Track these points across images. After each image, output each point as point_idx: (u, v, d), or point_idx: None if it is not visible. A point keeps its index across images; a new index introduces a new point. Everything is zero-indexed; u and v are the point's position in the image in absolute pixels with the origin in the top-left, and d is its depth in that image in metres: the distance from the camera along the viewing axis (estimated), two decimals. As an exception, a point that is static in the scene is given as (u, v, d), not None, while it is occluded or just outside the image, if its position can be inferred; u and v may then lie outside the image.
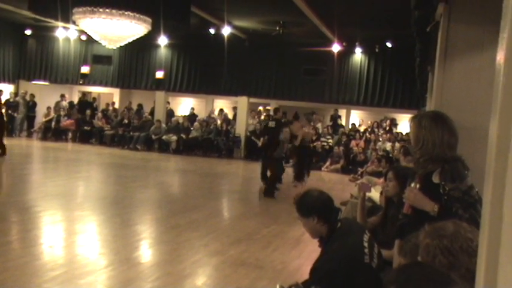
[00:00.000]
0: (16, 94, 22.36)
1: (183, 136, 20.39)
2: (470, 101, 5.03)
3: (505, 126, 1.12)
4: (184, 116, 22.62)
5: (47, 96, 22.80)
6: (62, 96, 22.74)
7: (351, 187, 10.72)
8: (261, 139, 13.10)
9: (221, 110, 22.85)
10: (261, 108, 22.50)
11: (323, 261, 3.40)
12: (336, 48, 18.61)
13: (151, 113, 22.49)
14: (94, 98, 23.97)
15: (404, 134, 19.36)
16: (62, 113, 21.98)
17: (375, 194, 6.02)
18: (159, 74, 21.53)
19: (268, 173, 11.95)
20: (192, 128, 20.76)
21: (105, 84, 22.92)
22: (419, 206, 3.08)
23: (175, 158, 19.03)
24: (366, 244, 3.39)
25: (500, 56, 1.20)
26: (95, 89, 24.07)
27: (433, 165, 3.08)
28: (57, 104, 22.38)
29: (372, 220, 4.82)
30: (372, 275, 3.27)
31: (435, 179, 3.05)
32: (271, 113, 21.67)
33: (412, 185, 3.16)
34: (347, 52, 19.46)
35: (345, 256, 3.30)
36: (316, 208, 3.45)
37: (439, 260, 2.01)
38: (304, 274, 6.00)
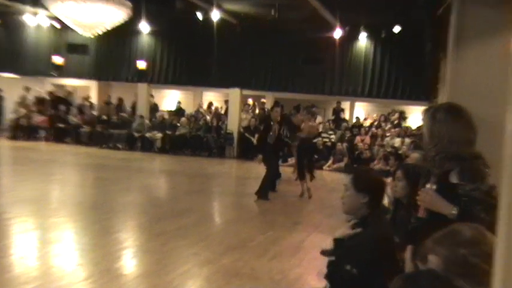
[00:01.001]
0: (-20, 88, 22.30)
1: (169, 133, 20.39)
2: (487, 90, 5.03)
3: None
4: (170, 110, 22.63)
5: (15, 91, 22.68)
6: (27, 89, 22.57)
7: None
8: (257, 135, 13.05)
9: (211, 104, 22.85)
10: (250, 101, 22.43)
11: (364, 243, 3.43)
12: (337, 34, 18.61)
13: (133, 107, 22.47)
14: (69, 92, 23.90)
15: (414, 128, 19.41)
16: (33, 108, 21.93)
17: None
18: (141, 65, 21.49)
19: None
20: (178, 124, 20.75)
21: (81, 77, 22.85)
22: (436, 209, 3.06)
23: (160, 158, 19.01)
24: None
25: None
26: (69, 82, 24.00)
27: (450, 163, 3.06)
28: (23, 98, 22.27)
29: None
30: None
31: (453, 178, 3.03)
32: (267, 106, 21.73)
33: (428, 185, 3.14)
34: (350, 38, 19.47)
35: (386, 243, 3.44)
36: (372, 188, 3.53)
37: (455, 270, 2.01)
38: (306, 284, 6.02)
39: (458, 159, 3.03)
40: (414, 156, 6.37)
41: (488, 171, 2.99)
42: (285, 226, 9.05)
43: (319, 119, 20.82)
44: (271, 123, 11.76)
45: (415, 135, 17.48)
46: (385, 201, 5.91)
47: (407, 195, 4.22)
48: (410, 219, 3.65)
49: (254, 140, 18.94)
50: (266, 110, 20.73)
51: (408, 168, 4.53)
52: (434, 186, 3.10)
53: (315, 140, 18.02)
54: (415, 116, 20.65)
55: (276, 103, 13.01)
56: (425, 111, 3.27)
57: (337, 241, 3.54)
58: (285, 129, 11.94)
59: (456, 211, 2.97)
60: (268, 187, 11.73)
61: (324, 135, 19.94)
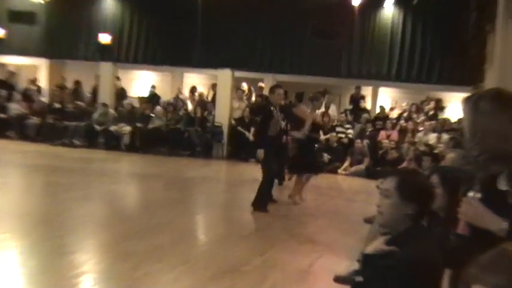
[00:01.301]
0: None
1: (140, 126, 20.38)
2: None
3: None
4: (142, 97, 22.61)
5: None
6: None
7: (379, 197, 10.76)
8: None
9: (194, 89, 22.82)
10: (244, 85, 22.36)
11: (400, 266, 3.44)
12: (357, 0, 18.64)
13: (94, 93, 22.44)
14: (11, 73, 23.83)
15: (454, 120, 19.45)
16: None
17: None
18: (104, 39, 21.46)
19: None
20: (152, 115, 20.76)
21: (27, 53, 22.80)
22: (481, 223, 3.04)
23: (128, 158, 19.00)
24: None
25: None
26: (12, 60, 23.94)
27: (497, 165, 3.06)
28: None
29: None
30: None
31: (501, 184, 3.02)
32: (266, 92, 21.71)
33: (471, 194, 3.13)
34: (373, 5, 19.52)
35: (428, 269, 3.43)
36: (421, 197, 3.56)
37: None
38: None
39: (507, 160, 3.03)
40: (451, 156, 6.41)
41: None
42: (288, 246, 9.06)
43: (333, 108, 20.82)
44: (272, 109, 11.69)
45: (456, 130, 17.53)
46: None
47: (445, 207, 4.24)
48: (449, 237, 3.66)
49: (250, 135, 18.99)
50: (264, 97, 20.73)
51: (446, 172, 4.53)
52: (478, 195, 3.08)
53: (326, 136, 18.09)
54: (455, 105, 20.70)
55: (277, 85, 12.95)
56: (466, 100, 3.27)
57: (367, 258, 3.55)
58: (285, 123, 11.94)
59: (507, 226, 2.95)
60: (267, 196, 11.73)
61: (338, 129, 19.96)
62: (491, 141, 3.07)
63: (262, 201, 11.53)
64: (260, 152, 11.66)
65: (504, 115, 3.08)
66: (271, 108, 11.69)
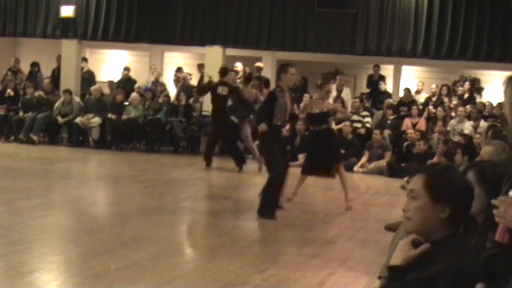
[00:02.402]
0: None
1: (112, 117, 20.36)
2: None
3: None
4: (113, 81, 22.59)
5: None
6: None
7: (404, 199, 10.75)
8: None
9: (180, 71, 22.82)
10: (239, 65, 22.29)
11: (436, 282, 3.43)
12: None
13: (56, 78, 22.43)
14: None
15: (495, 105, 19.46)
16: None
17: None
18: (67, 11, 21.44)
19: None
20: (126, 103, 20.74)
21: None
22: None
23: (98, 156, 19.00)
24: None
25: None
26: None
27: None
28: None
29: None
30: None
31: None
32: (265, 73, 21.72)
33: (511, 193, 3.14)
34: (394, -34, 19.56)
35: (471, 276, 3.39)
36: (457, 196, 3.50)
37: None
38: None
39: None
40: (488, 150, 6.38)
41: None
42: (294, 261, 9.08)
43: (346, 92, 20.83)
44: (278, 92, 11.77)
45: (496, 116, 17.55)
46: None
47: (484, 210, 4.23)
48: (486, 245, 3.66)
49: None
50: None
51: (485, 168, 4.52)
52: None
53: (339, 126, 18.09)
54: (495, 86, 20.74)
55: (287, 63, 12.93)
56: (509, 81, 3.28)
57: (394, 270, 3.53)
58: None
59: None
60: (274, 198, 11.73)
61: (354, 118, 19.95)
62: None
63: (269, 205, 11.58)
64: (262, 126, 11.66)
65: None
66: (276, 93, 11.75)
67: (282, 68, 12.27)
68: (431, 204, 3.45)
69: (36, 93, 21.53)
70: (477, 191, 4.36)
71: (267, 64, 22.60)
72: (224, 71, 17.77)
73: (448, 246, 3.43)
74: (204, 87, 19.32)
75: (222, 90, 17.34)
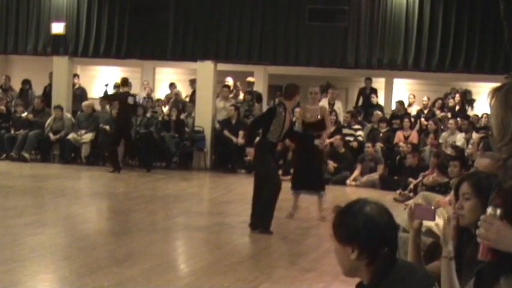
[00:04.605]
0: None
1: (106, 128, 20.25)
2: None
3: None
4: (104, 96, 22.58)
5: None
6: None
7: (397, 212, 10.79)
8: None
9: (173, 86, 22.88)
10: (230, 80, 22.31)
11: None
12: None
13: (47, 95, 22.41)
14: None
15: (485, 117, 19.51)
16: None
17: (439, 222, 6.06)
18: (58, 28, 21.45)
19: None
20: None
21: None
22: (505, 247, 3.03)
23: (90, 173, 18.98)
24: None
25: None
26: None
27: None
28: None
29: (433, 266, 4.86)
30: None
31: (532, 193, 3.05)
32: (257, 88, 21.76)
33: (489, 210, 3.12)
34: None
35: None
36: (361, 236, 3.44)
37: None
38: None
39: None
40: (484, 162, 6.40)
41: None
42: (287, 275, 9.09)
43: (338, 105, 20.87)
44: (280, 109, 11.85)
45: (488, 128, 17.59)
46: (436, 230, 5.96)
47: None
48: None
49: (238, 139, 19.04)
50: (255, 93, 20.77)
51: (480, 179, 4.51)
52: (498, 211, 3.07)
53: (331, 140, 18.12)
54: (486, 98, 20.81)
55: (293, 86, 12.97)
56: (494, 92, 3.30)
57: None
58: None
59: None
60: (272, 212, 11.76)
61: (346, 131, 19.99)
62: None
63: (268, 219, 11.63)
64: (250, 151, 11.98)
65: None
66: (281, 110, 11.84)
67: (296, 89, 12.35)
68: (339, 245, 3.51)
69: (24, 115, 21.51)
70: (472, 203, 4.39)
71: (258, 79, 22.66)
72: (125, 81, 19.57)
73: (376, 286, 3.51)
74: (112, 96, 20.53)
75: (130, 100, 18.85)
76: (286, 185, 14.33)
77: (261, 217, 11.60)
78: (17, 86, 23.17)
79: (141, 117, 20.68)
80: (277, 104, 12.61)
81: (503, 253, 3.03)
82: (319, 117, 13.29)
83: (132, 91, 22.97)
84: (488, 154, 7.20)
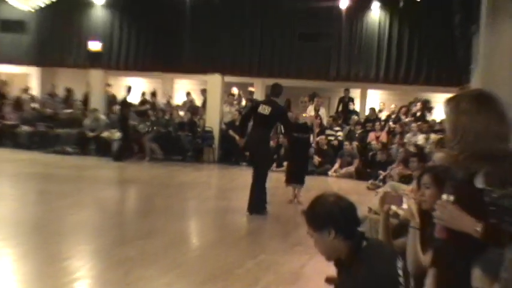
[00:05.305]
0: None
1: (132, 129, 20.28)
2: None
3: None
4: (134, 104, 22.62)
5: None
6: None
7: (369, 198, 10.81)
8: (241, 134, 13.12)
9: (189, 94, 22.89)
10: (235, 90, 22.36)
11: None
12: (344, 3, 18.70)
13: (85, 100, 22.43)
14: (3, 82, 23.78)
15: (440, 121, 19.49)
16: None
17: (405, 207, 6.06)
18: (95, 46, 21.44)
19: None
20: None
21: (18, 62, 22.77)
22: (457, 226, 3.07)
23: (120, 163, 18.96)
24: (400, 272, 3.54)
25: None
26: (3, 69, 23.89)
27: (476, 164, 3.09)
28: None
29: (400, 243, 4.86)
30: None
31: (479, 182, 3.05)
32: (256, 95, 21.73)
33: (444, 196, 3.16)
34: (360, 8, 19.57)
35: (374, 285, 3.43)
36: (332, 218, 3.55)
37: None
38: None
39: (486, 159, 3.05)
40: (439, 156, 6.41)
41: None
42: (280, 248, 9.09)
43: (322, 111, 20.88)
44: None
45: (443, 130, 17.56)
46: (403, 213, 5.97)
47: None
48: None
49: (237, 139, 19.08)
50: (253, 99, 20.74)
51: (438, 171, 4.52)
52: (451, 198, 3.10)
53: (317, 139, 18.11)
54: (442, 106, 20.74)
55: (277, 86, 12.92)
56: (448, 101, 3.32)
57: None
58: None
59: (481, 228, 2.96)
60: (265, 195, 11.83)
61: (328, 132, 20.02)
62: (471, 141, 3.11)
63: (262, 202, 11.71)
64: (240, 141, 12.52)
65: (483, 115, 3.12)
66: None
67: (281, 88, 12.50)
68: (317, 233, 3.67)
69: (69, 110, 21.65)
70: (432, 191, 4.41)
71: (257, 88, 22.66)
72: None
73: (353, 259, 3.59)
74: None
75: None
76: (279, 177, 14.40)
77: (256, 202, 11.66)
78: (61, 92, 23.13)
79: (162, 119, 20.73)
80: (260, 101, 12.72)
81: (456, 232, 3.07)
82: (308, 124, 13.43)
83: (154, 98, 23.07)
84: (443, 151, 7.20)
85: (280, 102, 12.90)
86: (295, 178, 13.08)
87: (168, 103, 22.41)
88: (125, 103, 19.70)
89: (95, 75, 22.00)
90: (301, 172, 13.21)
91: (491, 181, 2.99)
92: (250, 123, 12.55)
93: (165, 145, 20.18)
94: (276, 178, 14.47)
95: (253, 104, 13.04)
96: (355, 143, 19.28)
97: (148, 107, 21.30)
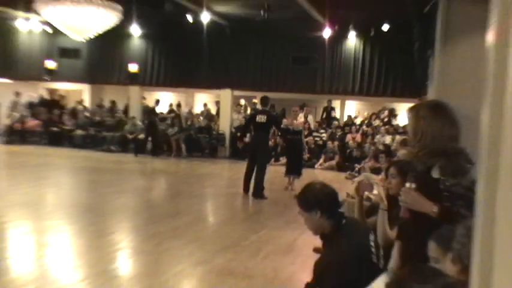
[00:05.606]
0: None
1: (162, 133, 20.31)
2: (474, 87, 5.07)
3: (496, 117, 1.14)
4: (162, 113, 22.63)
5: (8, 95, 22.56)
6: (17, 94, 22.49)
7: (347, 185, 10.78)
8: (241, 137, 13.25)
9: (205, 105, 22.89)
10: (242, 101, 22.40)
11: (328, 260, 3.47)
12: (327, 33, 18.66)
13: (126, 110, 22.46)
14: (62, 96, 23.84)
15: (403, 125, 19.46)
16: (25, 113, 21.87)
17: (375, 192, 6.05)
18: (133, 67, 21.44)
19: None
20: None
21: (74, 80, 22.82)
22: (417, 208, 3.10)
23: (152, 159, 18.99)
24: (372, 244, 3.57)
25: (491, 40, 1.23)
26: (62, 86, 23.94)
27: (432, 159, 3.11)
28: (14, 103, 22.20)
29: (371, 221, 4.85)
30: (379, 275, 3.35)
31: (435, 173, 3.07)
32: (258, 105, 21.74)
33: (407, 184, 3.18)
34: (339, 37, 19.52)
35: (352, 254, 3.42)
36: (319, 201, 3.56)
37: None
38: (299, 282, 6.04)
39: (440, 155, 3.08)
40: (403, 152, 6.40)
41: (471, 166, 3.02)
42: (278, 225, 9.09)
43: (310, 118, 20.88)
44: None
45: (406, 132, 17.52)
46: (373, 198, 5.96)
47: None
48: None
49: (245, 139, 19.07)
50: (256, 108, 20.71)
51: (402, 164, 4.54)
52: (413, 185, 3.13)
53: (306, 140, 18.14)
54: (405, 113, 20.70)
55: (265, 98, 12.87)
56: (410, 109, 3.34)
57: None
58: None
59: (437, 209, 3.00)
60: (262, 184, 11.82)
61: (315, 134, 20.03)
62: (428, 140, 3.14)
63: (262, 188, 11.77)
64: (240, 143, 13.04)
65: (438, 120, 3.14)
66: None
67: (268, 99, 12.64)
68: (307, 213, 3.63)
69: (117, 115, 21.88)
70: (397, 180, 4.40)
71: (259, 99, 22.66)
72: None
73: (334, 234, 3.59)
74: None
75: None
76: (277, 169, 14.36)
77: (257, 188, 11.67)
78: (107, 104, 23.15)
79: (185, 125, 20.76)
80: (257, 112, 12.86)
81: (417, 213, 3.08)
82: (299, 128, 13.51)
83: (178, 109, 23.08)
84: (406, 148, 7.19)
85: (276, 110, 12.95)
86: (293, 170, 13.07)
87: (190, 112, 22.38)
88: (152, 112, 19.79)
89: (133, 90, 22.01)
90: (298, 166, 13.19)
91: (445, 172, 3.03)
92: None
93: (187, 144, 20.20)
94: (274, 170, 14.47)
95: (251, 115, 13.06)
96: (336, 143, 19.23)
97: (172, 115, 21.26)
